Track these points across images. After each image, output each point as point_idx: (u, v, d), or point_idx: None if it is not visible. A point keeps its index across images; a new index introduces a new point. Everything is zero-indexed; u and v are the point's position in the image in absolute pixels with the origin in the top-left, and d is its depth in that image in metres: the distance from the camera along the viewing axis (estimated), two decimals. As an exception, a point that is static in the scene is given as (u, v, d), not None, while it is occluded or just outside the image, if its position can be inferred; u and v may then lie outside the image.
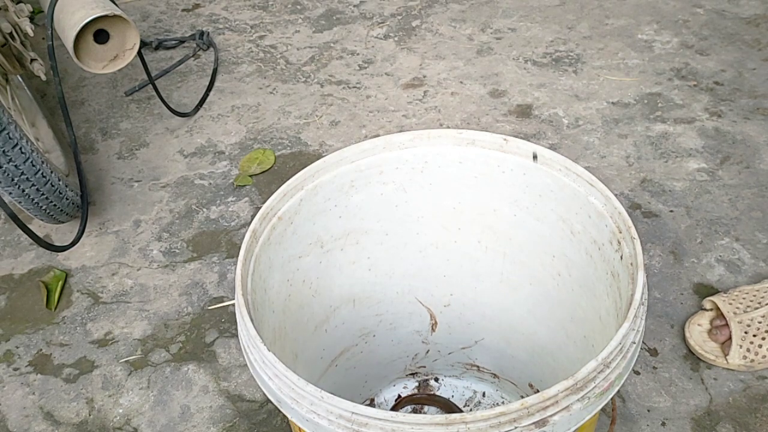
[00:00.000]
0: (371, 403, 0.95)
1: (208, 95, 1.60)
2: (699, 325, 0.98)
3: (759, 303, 0.97)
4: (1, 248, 1.27)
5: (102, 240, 1.26)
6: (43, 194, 1.08)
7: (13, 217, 1.00)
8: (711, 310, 1.00)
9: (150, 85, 1.50)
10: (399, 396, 0.95)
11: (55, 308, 1.14)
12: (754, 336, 0.94)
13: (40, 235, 1.27)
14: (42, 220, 1.16)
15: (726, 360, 0.94)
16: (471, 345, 0.91)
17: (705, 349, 0.96)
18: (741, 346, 0.94)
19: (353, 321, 0.85)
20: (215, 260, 1.20)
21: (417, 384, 0.97)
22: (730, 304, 0.97)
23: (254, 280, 0.66)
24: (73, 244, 1.15)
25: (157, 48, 1.77)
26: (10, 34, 1.23)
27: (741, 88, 1.46)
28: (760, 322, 0.95)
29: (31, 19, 1.25)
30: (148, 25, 1.88)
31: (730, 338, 0.95)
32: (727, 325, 0.96)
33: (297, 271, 0.75)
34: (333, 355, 0.85)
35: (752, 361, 0.94)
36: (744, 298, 0.98)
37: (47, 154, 1.30)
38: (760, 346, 0.94)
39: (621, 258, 0.64)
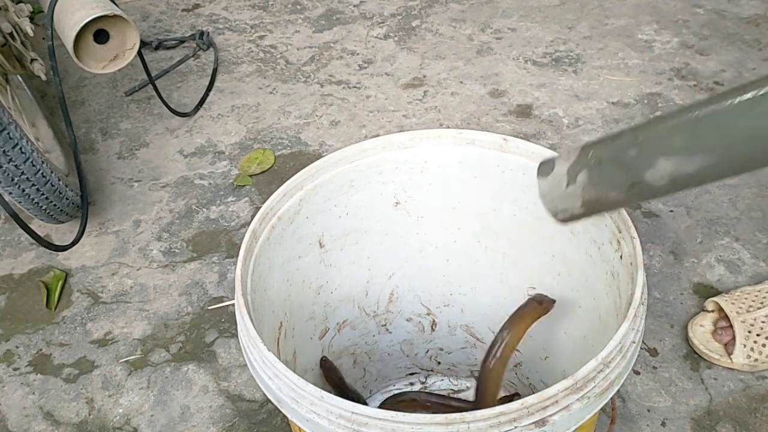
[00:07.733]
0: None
1: (208, 95, 1.60)
2: (701, 325, 0.98)
3: (762, 303, 0.97)
4: (1, 248, 1.27)
5: (102, 240, 1.26)
6: (43, 194, 1.08)
7: (15, 217, 1.00)
8: (713, 311, 0.99)
9: (150, 85, 1.50)
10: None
11: (55, 308, 1.14)
12: (758, 335, 0.94)
13: (40, 234, 1.27)
14: (42, 219, 1.16)
15: (730, 359, 0.94)
16: (471, 345, 0.91)
17: (709, 348, 0.96)
18: (745, 346, 0.94)
19: (353, 321, 0.86)
20: (215, 260, 1.20)
21: (416, 384, 0.97)
22: (733, 303, 0.97)
23: (254, 280, 0.66)
24: (73, 244, 1.15)
25: (157, 48, 1.77)
26: (10, 34, 1.23)
27: (741, 88, 1.46)
28: (763, 322, 0.95)
29: (31, 19, 1.25)
30: (148, 25, 1.88)
31: (733, 338, 0.95)
32: (730, 326, 0.96)
33: (297, 271, 0.75)
34: (333, 355, 0.85)
35: (756, 360, 0.93)
36: (746, 298, 0.98)
37: (47, 154, 1.30)
38: (764, 345, 0.94)
39: (621, 258, 0.64)
